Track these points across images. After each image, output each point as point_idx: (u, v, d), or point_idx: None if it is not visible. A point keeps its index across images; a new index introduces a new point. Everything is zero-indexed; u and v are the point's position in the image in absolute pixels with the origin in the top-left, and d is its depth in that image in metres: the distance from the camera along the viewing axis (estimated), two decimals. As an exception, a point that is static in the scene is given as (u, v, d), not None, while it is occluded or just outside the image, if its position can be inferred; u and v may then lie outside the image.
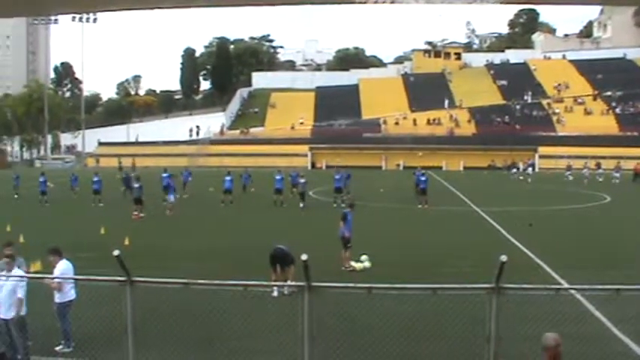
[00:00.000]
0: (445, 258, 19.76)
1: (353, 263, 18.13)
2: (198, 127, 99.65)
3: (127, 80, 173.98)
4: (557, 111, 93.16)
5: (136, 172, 34.69)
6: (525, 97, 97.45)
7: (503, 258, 7.48)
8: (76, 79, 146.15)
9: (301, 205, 35.65)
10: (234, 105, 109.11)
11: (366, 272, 17.27)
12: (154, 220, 30.07)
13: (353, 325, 11.99)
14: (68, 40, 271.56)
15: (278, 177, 36.66)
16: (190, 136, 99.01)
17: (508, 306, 9.67)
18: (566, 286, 14.33)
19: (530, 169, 67.76)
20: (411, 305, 11.58)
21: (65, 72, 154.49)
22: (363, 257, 18.43)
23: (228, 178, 37.16)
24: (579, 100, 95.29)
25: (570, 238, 24.61)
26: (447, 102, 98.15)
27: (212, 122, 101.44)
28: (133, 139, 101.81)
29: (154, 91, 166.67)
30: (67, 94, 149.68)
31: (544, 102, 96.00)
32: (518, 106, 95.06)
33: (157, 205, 33.77)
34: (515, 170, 69.74)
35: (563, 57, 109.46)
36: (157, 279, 9.04)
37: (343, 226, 18.34)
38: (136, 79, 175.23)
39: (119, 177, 46.19)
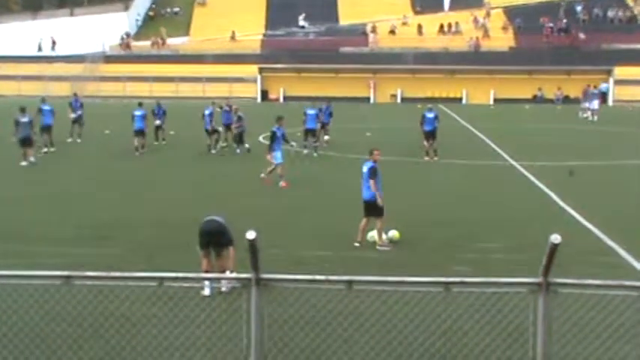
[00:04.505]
0: (463, 237, 19.90)
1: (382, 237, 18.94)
2: (127, 35, 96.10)
3: None
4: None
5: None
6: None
7: (555, 238, 7.50)
8: None
9: (237, 150, 37.57)
10: (142, 0, 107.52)
11: (345, 261, 17.35)
12: (13, 177, 29.83)
13: (322, 339, 12.03)
14: None
15: (207, 112, 38.58)
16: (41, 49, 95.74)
17: (562, 312, 9.76)
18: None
19: (596, 101, 67.68)
20: (411, 309, 11.63)
21: None
22: (370, 233, 19.11)
23: (138, 113, 38.43)
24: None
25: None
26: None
27: (107, 27, 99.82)
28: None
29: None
30: None
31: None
32: (579, 5, 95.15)
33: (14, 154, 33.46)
34: (587, 105, 65.69)
35: None
36: (18, 271, 8.93)
37: (372, 184, 18.99)
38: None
39: None
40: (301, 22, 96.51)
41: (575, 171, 30.42)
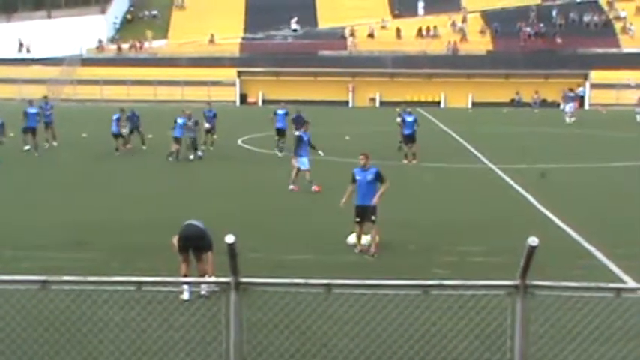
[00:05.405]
0: (442, 240, 19.96)
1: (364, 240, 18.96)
2: (112, 40, 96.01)
3: None
4: (622, 15, 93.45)
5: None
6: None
7: (533, 241, 7.55)
8: None
9: (190, 157, 36.93)
10: (120, 3, 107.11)
11: (324, 265, 17.37)
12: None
13: (301, 342, 12.05)
14: None
15: (180, 121, 37.42)
16: (21, 50, 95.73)
17: (540, 314, 9.82)
18: (632, 285, 14.55)
19: (571, 104, 68.21)
20: (389, 312, 11.68)
21: None
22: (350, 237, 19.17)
23: (117, 117, 39.52)
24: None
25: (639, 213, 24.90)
26: (445, 1, 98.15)
27: (84, 30, 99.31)
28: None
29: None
30: None
31: (602, 0, 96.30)
32: (554, 11, 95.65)
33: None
34: (570, 108, 66.47)
35: None
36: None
37: (356, 190, 19.03)
38: None
39: None
40: (293, 26, 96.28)
41: (546, 173, 30.74)
